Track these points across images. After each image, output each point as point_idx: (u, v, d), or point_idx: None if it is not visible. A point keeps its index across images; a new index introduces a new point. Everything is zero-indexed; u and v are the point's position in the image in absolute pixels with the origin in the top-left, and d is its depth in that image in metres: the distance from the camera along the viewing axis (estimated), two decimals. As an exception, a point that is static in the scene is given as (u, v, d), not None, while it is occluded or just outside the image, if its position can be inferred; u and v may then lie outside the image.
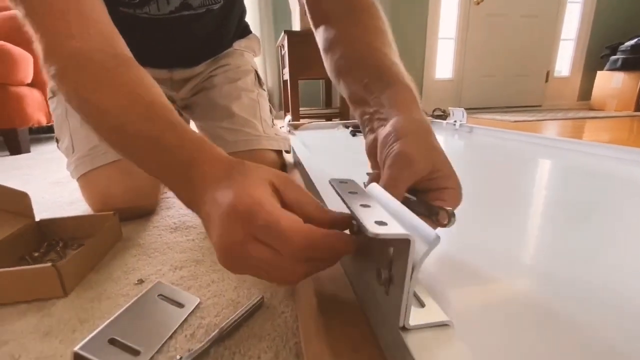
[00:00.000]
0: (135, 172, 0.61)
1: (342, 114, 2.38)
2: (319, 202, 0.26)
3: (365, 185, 0.35)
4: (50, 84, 0.64)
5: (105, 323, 0.33)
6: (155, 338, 0.33)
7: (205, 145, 0.29)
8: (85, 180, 0.62)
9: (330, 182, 0.27)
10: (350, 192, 0.24)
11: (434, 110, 2.70)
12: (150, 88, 0.32)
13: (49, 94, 0.64)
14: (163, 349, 0.32)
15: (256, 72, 0.80)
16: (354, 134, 1.38)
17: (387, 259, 0.21)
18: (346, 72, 0.39)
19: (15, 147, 1.47)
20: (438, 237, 0.18)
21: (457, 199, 0.29)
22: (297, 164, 0.80)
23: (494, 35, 3.35)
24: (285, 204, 0.25)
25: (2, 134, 1.46)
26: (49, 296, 0.39)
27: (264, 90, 0.81)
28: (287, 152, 0.83)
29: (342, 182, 0.27)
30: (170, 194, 0.80)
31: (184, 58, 0.70)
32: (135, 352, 0.31)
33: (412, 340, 0.18)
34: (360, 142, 1.22)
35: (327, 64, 0.43)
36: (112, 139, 0.32)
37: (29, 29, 0.31)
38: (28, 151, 1.52)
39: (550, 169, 0.74)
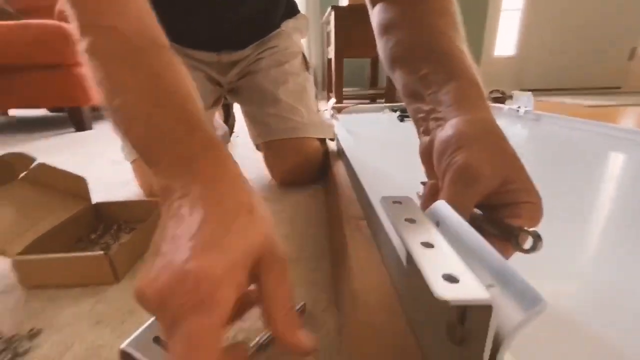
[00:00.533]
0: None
1: (388, 96, 2.26)
2: (292, 306, 0.22)
3: (421, 198, 0.30)
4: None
5: (151, 320, 0.33)
6: (196, 339, 0.32)
7: (218, 150, 0.25)
8: (136, 165, 0.64)
9: (381, 203, 0.23)
10: (407, 220, 0.20)
11: (491, 92, 2.46)
12: (178, 74, 0.30)
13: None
14: (204, 352, 0.31)
15: (303, 54, 0.76)
16: (402, 119, 1.29)
17: (459, 313, 0.17)
18: (402, 60, 0.34)
19: (79, 124, 1.60)
20: (544, 303, 0.14)
21: (537, 215, 0.23)
22: (341, 154, 0.76)
23: (568, 5, 2.92)
24: (259, 286, 0.21)
25: (68, 112, 1.59)
26: (102, 282, 0.41)
27: (310, 73, 0.77)
28: (332, 139, 0.79)
29: (396, 202, 0.23)
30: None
31: (232, 41, 0.68)
32: (178, 354, 0.31)
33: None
34: (411, 128, 1.14)
35: (381, 50, 0.38)
36: (117, 115, 0.29)
37: (67, 7, 0.30)
38: (91, 128, 1.65)
39: (630, 168, 0.63)
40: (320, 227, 0.55)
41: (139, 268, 0.45)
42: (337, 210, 0.46)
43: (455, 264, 0.16)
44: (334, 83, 2.17)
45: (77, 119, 1.59)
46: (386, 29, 0.36)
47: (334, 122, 1.04)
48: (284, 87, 0.69)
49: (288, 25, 0.74)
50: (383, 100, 2.35)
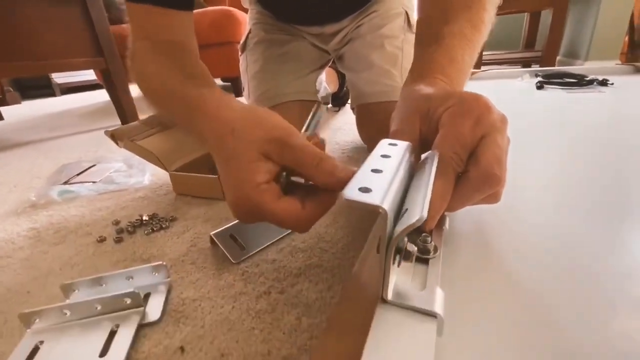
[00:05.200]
0: (285, 115, 0.74)
1: (544, 60, 1.84)
2: (322, 153, 0.25)
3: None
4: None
5: (231, 224, 0.46)
6: (257, 243, 0.43)
7: (207, 102, 0.31)
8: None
9: (379, 144, 0.26)
10: (382, 155, 0.23)
11: None
12: (195, 62, 0.40)
13: (239, 53, 0.84)
14: (260, 252, 0.42)
15: (407, 13, 0.74)
16: (540, 85, 1.07)
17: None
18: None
19: (238, 90, 2.01)
20: (421, 218, 0.16)
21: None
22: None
23: None
24: (285, 167, 0.26)
25: (230, 81, 2.01)
26: (216, 197, 0.58)
27: (414, 33, 0.74)
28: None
29: (392, 144, 0.25)
30: (317, 137, 0.91)
31: (334, 15, 0.73)
32: (242, 248, 0.42)
33: (380, 314, 0.18)
34: (546, 99, 0.94)
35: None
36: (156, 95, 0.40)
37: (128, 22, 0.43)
38: (245, 94, 2.05)
39: None
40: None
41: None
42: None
43: (380, 184, 0.19)
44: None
45: (237, 87, 2.00)
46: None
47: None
48: (380, 51, 0.70)
49: (394, -16, 0.73)
50: (537, 66, 1.93)
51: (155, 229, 0.49)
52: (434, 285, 0.20)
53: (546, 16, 1.91)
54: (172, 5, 0.42)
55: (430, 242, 0.22)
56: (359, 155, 0.74)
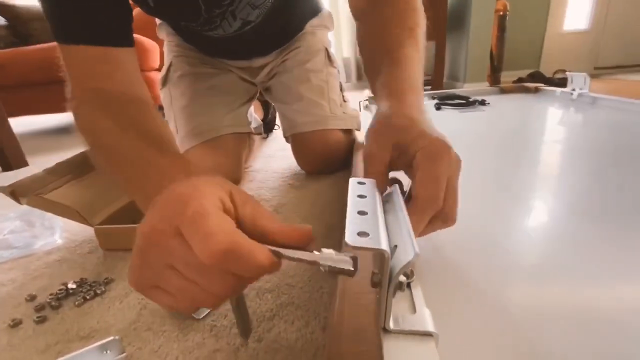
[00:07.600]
0: (220, 150, 0.72)
1: (434, 83, 2.18)
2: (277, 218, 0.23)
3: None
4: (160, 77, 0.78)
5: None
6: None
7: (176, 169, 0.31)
8: (186, 156, 0.76)
9: (349, 182, 0.28)
10: (359, 196, 0.25)
11: (555, 73, 2.23)
12: (152, 120, 0.38)
13: (159, 86, 0.79)
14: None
15: (327, 50, 0.81)
16: (438, 107, 1.27)
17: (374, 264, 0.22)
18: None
19: (150, 121, 1.84)
20: (416, 255, 0.18)
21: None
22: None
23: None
24: (239, 216, 0.22)
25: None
26: (155, 248, 0.52)
27: (335, 67, 0.82)
28: (358, 130, 0.83)
29: (360, 183, 0.28)
30: (251, 166, 0.91)
31: (259, 51, 0.76)
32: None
33: (388, 343, 0.20)
34: (446, 117, 1.12)
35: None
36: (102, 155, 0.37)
37: (65, 73, 0.40)
38: (158, 125, 1.89)
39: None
40: (335, 215, 0.61)
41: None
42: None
43: (372, 226, 0.21)
44: (377, 72, 2.16)
45: (147, 117, 1.84)
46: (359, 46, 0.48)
47: (364, 112, 1.07)
48: (307, 84, 0.75)
49: (312, 24, 0.79)
50: (429, 88, 2.27)
51: (87, 297, 0.42)
52: (422, 307, 0.22)
53: (430, 47, 2.28)
54: (111, 43, 0.40)
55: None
56: (300, 182, 0.76)
